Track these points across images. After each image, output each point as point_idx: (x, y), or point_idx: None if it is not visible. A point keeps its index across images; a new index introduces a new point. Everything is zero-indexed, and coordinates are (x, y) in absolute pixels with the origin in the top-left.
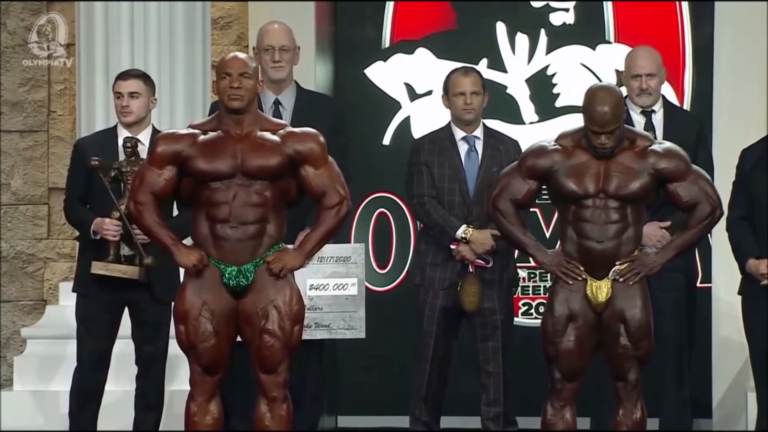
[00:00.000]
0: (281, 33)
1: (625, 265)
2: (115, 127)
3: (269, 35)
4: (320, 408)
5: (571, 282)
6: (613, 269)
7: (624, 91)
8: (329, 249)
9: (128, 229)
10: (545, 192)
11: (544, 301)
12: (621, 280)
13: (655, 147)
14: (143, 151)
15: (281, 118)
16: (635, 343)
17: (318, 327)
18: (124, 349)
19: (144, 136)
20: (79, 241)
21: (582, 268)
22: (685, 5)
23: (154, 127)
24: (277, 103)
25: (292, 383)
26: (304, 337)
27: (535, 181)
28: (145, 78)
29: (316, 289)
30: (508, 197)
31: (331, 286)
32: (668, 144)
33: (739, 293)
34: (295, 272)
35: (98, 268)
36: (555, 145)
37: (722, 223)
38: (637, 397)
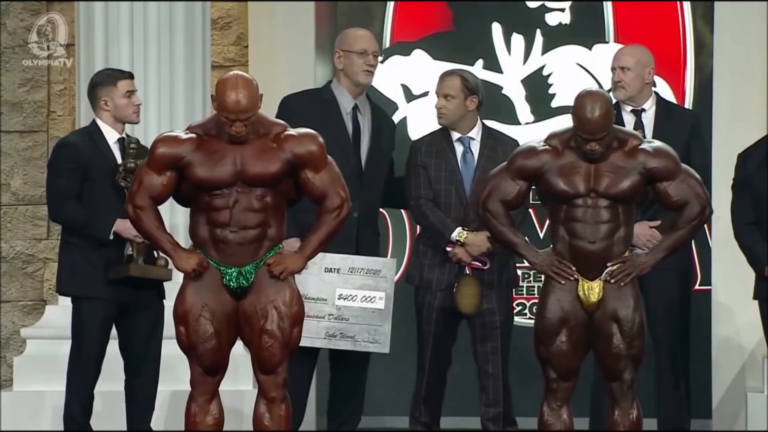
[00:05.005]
0: (374, 39)
1: (616, 266)
2: (96, 125)
3: (364, 39)
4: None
5: (563, 282)
6: (605, 271)
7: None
8: (361, 261)
9: None
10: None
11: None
12: (612, 281)
13: (644, 146)
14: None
15: (359, 124)
16: (629, 342)
17: (343, 337)
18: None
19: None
20: (68, 241)
21: (574, 268)
22: (685, 5)
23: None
24: (355, 108)
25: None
26: (329, 346)
27: (524, 182)
28: None
29: (345, 299)
30: (498, 198)
31: (360, 298)
32: (658, 143)
33: (754, 298)
34: (324, 282)
35: (137, 270)
36: (544, 145)
37: (725, 228)
38: (633, 397)
